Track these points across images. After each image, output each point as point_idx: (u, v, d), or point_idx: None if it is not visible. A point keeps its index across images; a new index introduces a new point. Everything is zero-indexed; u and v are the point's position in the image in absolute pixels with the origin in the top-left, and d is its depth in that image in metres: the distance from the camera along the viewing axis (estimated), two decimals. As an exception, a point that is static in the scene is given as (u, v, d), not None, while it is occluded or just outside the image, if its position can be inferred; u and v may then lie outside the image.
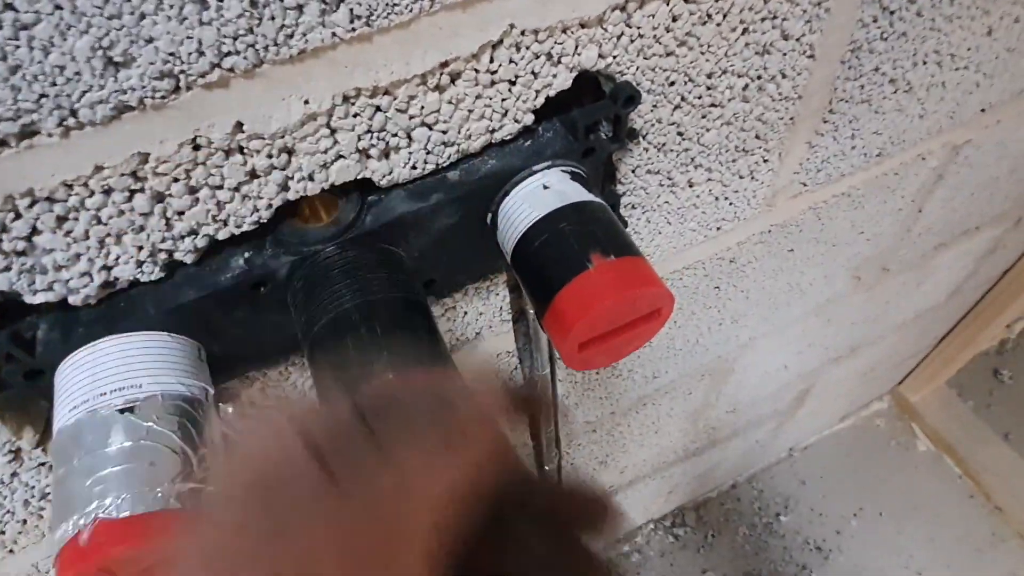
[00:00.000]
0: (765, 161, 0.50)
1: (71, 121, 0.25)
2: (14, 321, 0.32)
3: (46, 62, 0.23)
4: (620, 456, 0.94)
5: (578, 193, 0.35)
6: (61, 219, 0.28)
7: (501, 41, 0.31)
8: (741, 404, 1.02)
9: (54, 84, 0.24)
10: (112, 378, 0.30)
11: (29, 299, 0.30)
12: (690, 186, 0.48)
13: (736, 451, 1.29)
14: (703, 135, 0.44)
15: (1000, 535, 1.38)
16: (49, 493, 0.41)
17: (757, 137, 0.47)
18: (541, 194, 0.35)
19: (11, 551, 0.44)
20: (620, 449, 0.91)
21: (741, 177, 0.50)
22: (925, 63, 0.51)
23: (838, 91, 0.48)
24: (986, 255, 1.00)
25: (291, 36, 0.26)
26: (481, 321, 0.49)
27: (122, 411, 0.29)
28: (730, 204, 0.53)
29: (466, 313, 0.47)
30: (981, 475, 1.44)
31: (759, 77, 0.42)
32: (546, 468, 0.83)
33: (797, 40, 0.41)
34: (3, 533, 0.42)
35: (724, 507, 1.48)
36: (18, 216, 0.27)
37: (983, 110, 0.62)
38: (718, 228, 0.55)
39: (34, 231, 0.28)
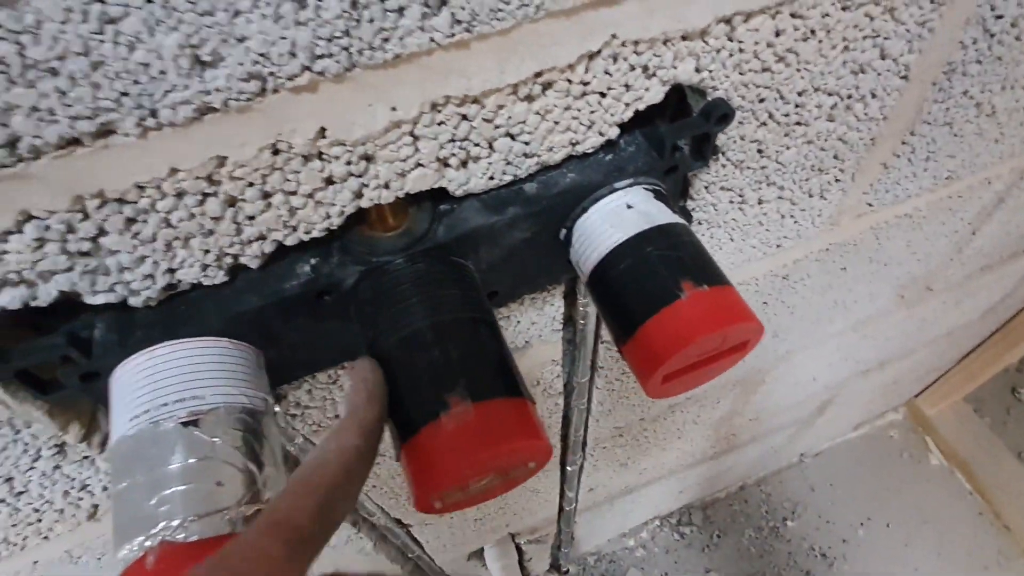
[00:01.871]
0: (838, 181, 0.48)
1: (150, 121, 0.23)
2: (69, 320, 0.30)
3: (130, 59, 0.21)
4: (641, 459, 0.93)
5: (663, 214, 0.33)
6: (130, 221, 0.26)
7: (599, 52, 0.29)
8: (765, 412, 1.01)
9: (137, 82, 0.22)
10: (174, 388, 0.28)
11: (89, 299, 0.28)
12: (759, 203, 0.46)
13: (751, 455, 1.28)
14: (782, 153, 0.42)
15: (1007, 554, 1.37)
16: (88, 485, 0.40)
17: (835, 157, 0.45)
18: (624, 214, 0.33)
19: (45, 538, 0.43)
20: (643, 453, 0.91)
21: (811, 196, 0.48)
22: (1013, 87, 0.48)
23: (922, 113, 0.46)
24: (1028, 277, 0.98)
25: (387, 40, 0.24)
26: (533, 330, 0.48)
27: (185, 424, 0.27)
28: (795, 222, 0.51)
29: (519, 322, 0.46)
30: (992, 493, 1.43)
31: (849, 96, 0.40)
32: (568, 468, 0.83)
33: (895, 60, 0.39)
34: (39, 521, 0.41)
35: (732, 508, 1.48)
36: (86, 217, 0.25)
37: (1058, 135, 0.59)
38: (778, 245, 0.53)
39: (101, 232, 0.26)
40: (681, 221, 0.34)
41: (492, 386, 0.28)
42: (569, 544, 1.25)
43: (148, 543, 0.25)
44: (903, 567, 1.37)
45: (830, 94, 0.39)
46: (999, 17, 0.40)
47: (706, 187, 0.42)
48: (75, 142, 0.23)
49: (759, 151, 0.41)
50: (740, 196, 0.44)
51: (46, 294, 0.27)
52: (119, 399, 0.29)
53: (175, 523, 0.25)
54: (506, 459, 0.27)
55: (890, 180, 0.52)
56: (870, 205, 0.54)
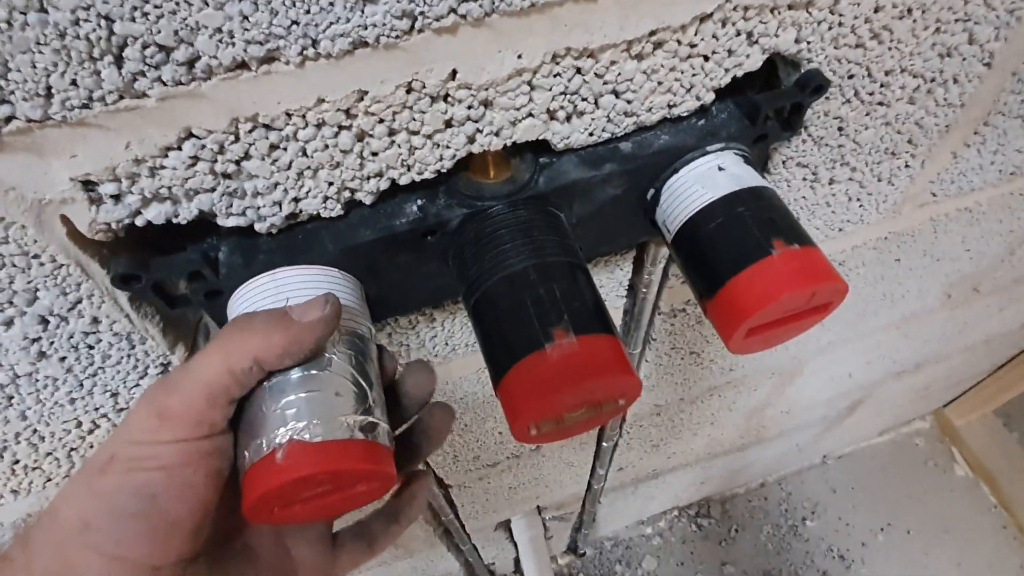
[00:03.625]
0: (908, 167, 0.49)
1: (311, 51, 0.25)
2: (196, 242, 0.33)
3: (306, -11, 0.23)
4: (673, 442, 0.95)
5: (753, 178, 0.34)
6: (273, 147, 0.28)
7: (711, 14, 0.31)
8: (797, 406, 1.02)
9: (308, 12, 0.24)
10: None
11: (222, 221, 0.31)
12: (830, 183, 0.47)
13: (775, 451, 1.29)
14: (861, 133, 0.43)
15: (1029, 569, 1.37)
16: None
17: (910, 142, 0.46)
18: (716, 175, 0.34)
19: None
20: (675, 436, 0.92)
21: (880, 180, 0.49)
22: (1091, 83, 0.48)
23: (999, 103, 0.46)
24: (1074, 288, 0.97)
25: (527, -12, 0.26)
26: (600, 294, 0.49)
27: (306, 341, 0.29)
28: (860, 206, 0.52)
29: (589, 284, 0.47)
30: (1017, 507, 1.43)
31: (932, 80, 0.41)
32: (604, 444, 0.85)
33: (981, 46, 0.40)
34: (132, 440, 0.44)
35: (751, 504, 1.49)
36: (237, 139, 0.27)
37: None
38: (840, 229, 0.54)
39: (246, 156, 0.28)
40: (769, 185, 0.35)
41: (592, 323, 0.30)
42: (590, 526, 1.27)
43: (278, 440, 0.27)
44: (921, 574, 1.37)
45: (915, 76, 0.40)
46: (1087, 9, 0.41)
47: (783, 162, 0.43)
48: (243, 66, 0.25)
49: (839, 129, 0.42)
50: (814, 174, 0.45)
51: (187, 212, 0.30)
52: (243, 315, 0.31)
53: (301, 424, 0.27)
54: (603, 391, 0.29)
55: (957, 171, 0.52)
56: (934, 195, 0.55)
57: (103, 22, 0.22)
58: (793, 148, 0.42)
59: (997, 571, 1.36)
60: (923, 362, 1.05)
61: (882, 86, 0.40)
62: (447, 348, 0.48)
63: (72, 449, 0.43)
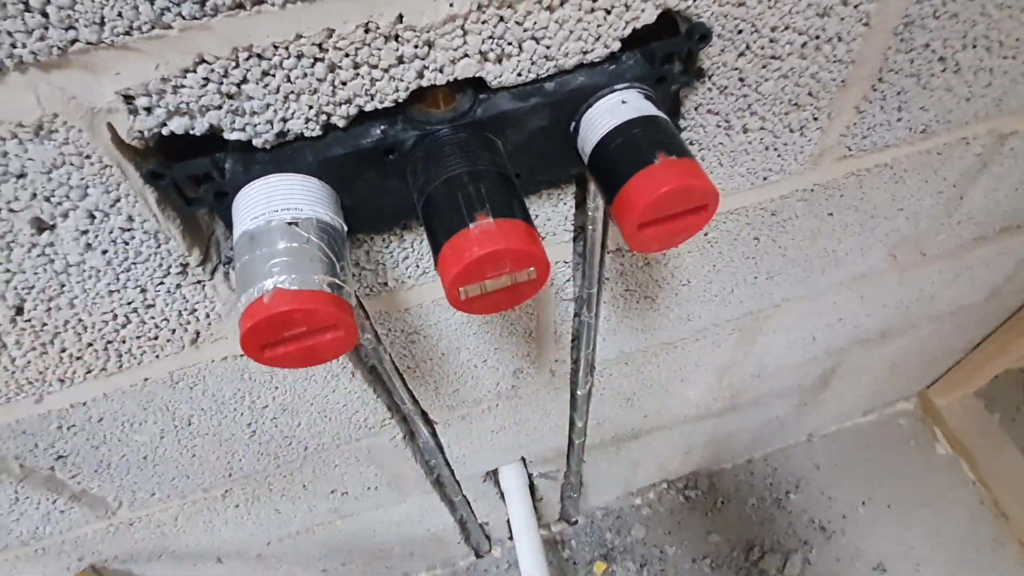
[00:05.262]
0: (815, 119, 0.57)
1: (290, -4, 0.34)
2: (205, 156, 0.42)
3: (285, -52, 0.32)
4: (646, 397, 1.02)
5: (649, 109, 0.43)
6: (264, 73, 0.37)
7: (606, -26, 0.39)
8: (767, 369, 1.09)
9: (287, -35, 0.33)
10: (282, 201, 0.40)
11: (227, 135, 0.40)
12: (744, 131, 0.55)
13: (755, 422, 1.35)
14: (761, 84, 0.51)
15: (1002, 541, 1.41)
16: (196, 310, 0.52)
17: (810, 94, 0.54)
18: (620, 107, 0.43)
19: (157, 356, 0.55)
20: (646, 390, 1.00)
21: (792, 131, 0.57)
22: (975, 46, 0.56)
23: (889, 61, 0.54)
24: (1028, 259, 1.03)
25: (452, -50, 0.35)
26: (547, 227, 0.58)
27: (289, 224, 0.38)
28: (778, 156, 0.60)
29: (536, 216, 0.56)
30: (994, 483, 1.47)
31: (817, 37, 0.49)
32: (578, 393, 0.93)
33: (855, 7, 0.48)
34: (156, 339, 0.53)
35: (737, 478, 1.55)
36: (237, 65, 0.37)
37: (1032, 103, 0.66)
38: (764, 178, 0.62)
39: (244, 80, 0.37)
40: (663, 115, 0.43)
41: (508, 210, 0.38)
42: (577, 490, 1.35)
43: (265, 287, 0.36)
44: (899, 545, 1.42)
45: (800, 32, 0.48)
46: (950, -22, 0.49)
47: (695, 108, 0.51)
48: (240, 6, 0.34)
49: (740, 79, 0.50)
50: (726, 121, 0.53)
51: (200, 126, 0.39)
52: (243, 208, 0.40)
53: (283, 278, 0.36)
54: (514, 259, 0.38)
55: (865, 125, 0.60)
56: (849, 149, 0.62)
57: (142, -31, 0.31)
58: (701, 95, 0.50)
59: (973, 543, 1.41)
60: (888, 330, 1.11)
61: (771, 41, 0.48)
62: (418, 271, 0.57)
63: (108, 342, 0.52)
